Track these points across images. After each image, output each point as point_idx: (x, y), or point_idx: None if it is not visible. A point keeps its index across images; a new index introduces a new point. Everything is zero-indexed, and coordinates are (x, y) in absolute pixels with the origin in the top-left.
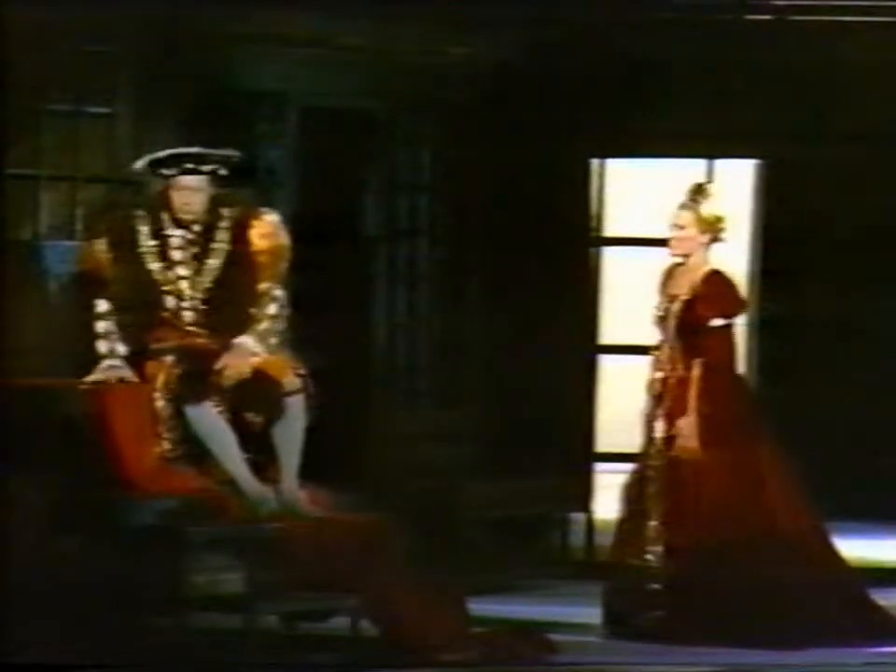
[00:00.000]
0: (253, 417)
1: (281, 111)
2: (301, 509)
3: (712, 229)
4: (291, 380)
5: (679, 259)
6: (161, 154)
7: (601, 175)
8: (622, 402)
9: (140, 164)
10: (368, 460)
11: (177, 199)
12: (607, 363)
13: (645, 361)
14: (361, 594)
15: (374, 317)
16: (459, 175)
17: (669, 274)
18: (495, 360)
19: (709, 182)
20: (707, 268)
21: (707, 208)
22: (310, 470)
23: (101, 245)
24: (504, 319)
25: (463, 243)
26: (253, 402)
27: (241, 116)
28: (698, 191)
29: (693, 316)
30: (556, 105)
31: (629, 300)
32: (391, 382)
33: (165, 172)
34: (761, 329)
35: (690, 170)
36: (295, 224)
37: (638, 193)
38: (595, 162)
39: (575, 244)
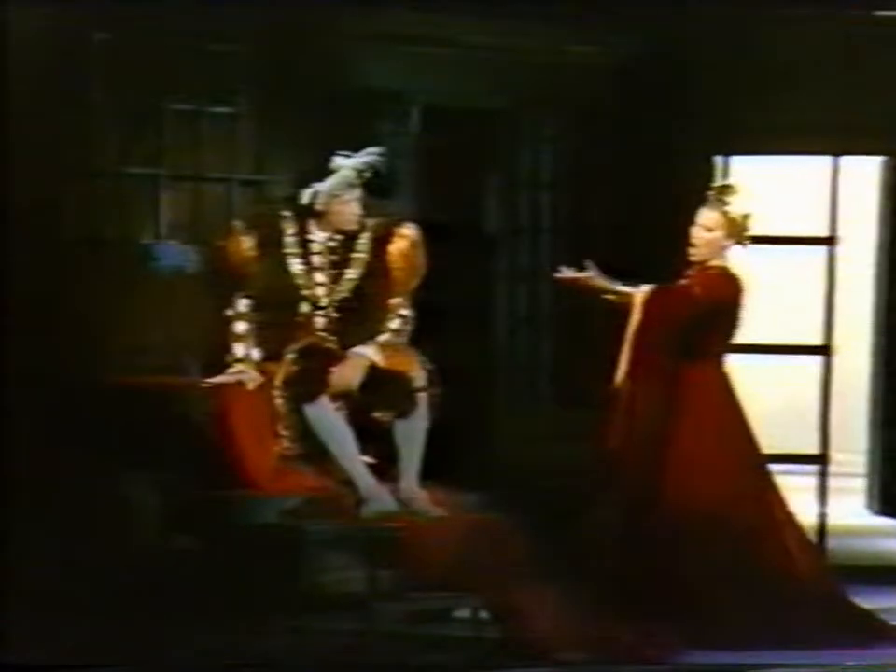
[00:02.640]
0: (382, 415)
1: (404, 110)
2: (421, 508)
3: (739, 231)
4: (419, 375)
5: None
6: (362, 160)
7: (725, 174)
8: (761, 403)
9: (343, 167)
10: (489, 459)
11: (341, 208)
12: (737, 363)
13: (775, 361)
14: (482, 594)
15: (496, 316)
16: (582, 173)
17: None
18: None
19: (734, 182)
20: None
21: (736, 208)
22: (431, 469)
23: (247, 243)
24: None
25: (585, 241)
26: (383, 399)
27: (364, 115)
28: (725, 191)
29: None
30: (680, 103)
31: (755, 298)
32: (513, 381)
33: (353, 180)
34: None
35: (813, 168)
36: (416, 222)
37: (763, 191)
38: (718, 160)
39: None
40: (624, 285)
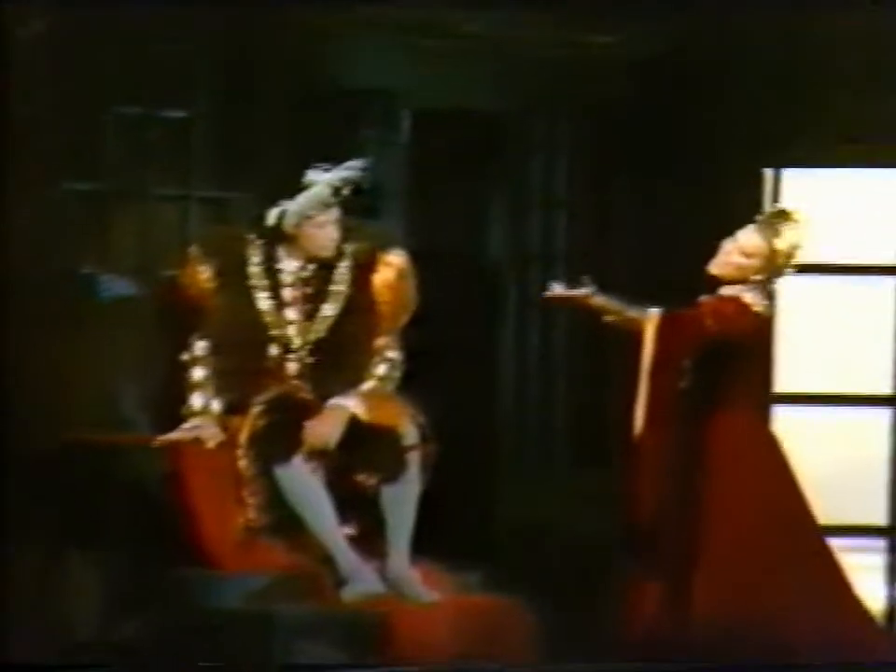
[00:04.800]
0: (366, 479)
1: (391, 114)
2: (412, 590)
3: (779, 267)
4: (410, 430)
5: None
6: (341, 175)
7: (776, 189)
8: (817, 465)
9: (318, 183)
10: (493, 530)
11: (316, 231)
12: (783, 415)
13: (828, 413)
14: None
15: (501, 358)
16: (602, 189)
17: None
18: None
19: (793, 209)
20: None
21: (786, 240)
22: (424, 543)
23: (204, 272)
24: None
25: (607, 268)
26: (368, 459)
27: (344, 121)
28: (780, 217)
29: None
30: (721, 105)
31: (808, 338)
32: (521, 436)
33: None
34: None
35: (882, 184)
36: (407, 247)
37: (823, 211)
38: (768, 174)
39: None
40: (634, 308)
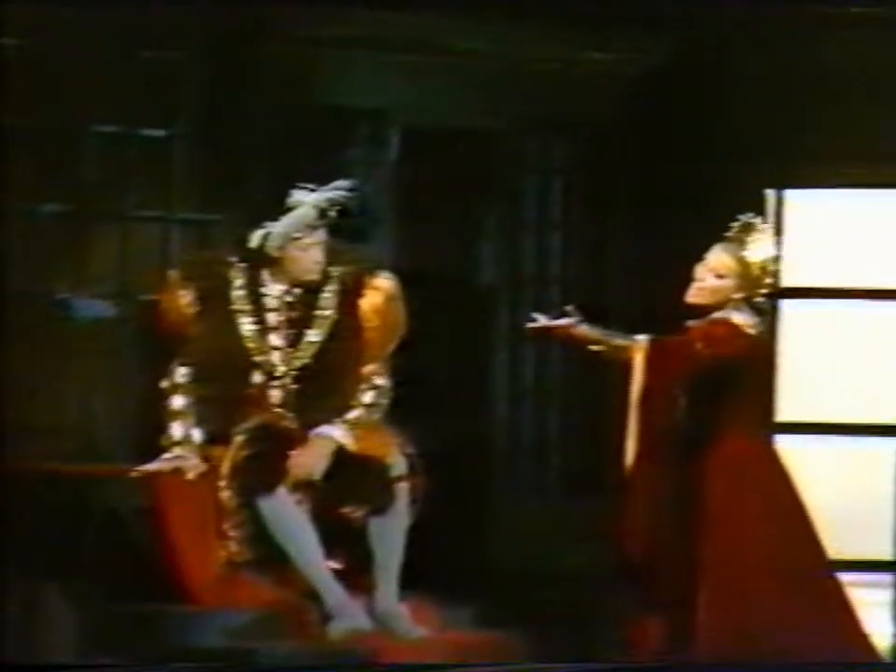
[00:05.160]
0: (353, 511)
1: (379, 132)
2: (401, 626)
3: (755, 282)
4: (399, 461)
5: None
6: (327, 196)
7: (779, 212)
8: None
9: (303, 204)
10: (484, 564)
11: (301, 254)
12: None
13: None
14: None
15: (493, 387)
16: (599, 210)
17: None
18: None
19: (760, 219)
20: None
21: (755, 253)
22: (413, 578)
23: (185, 297)
24: None
25: (604, 293)
26: (355, 491)
27: (331, 139)
28: (747, 230)
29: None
30: (722, 123)
31: (813, 366)
32: (513, 467)
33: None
34: None
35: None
36: (396, 270)
37: (827, 233)
38: (771, 195)
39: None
40: (621, 336)
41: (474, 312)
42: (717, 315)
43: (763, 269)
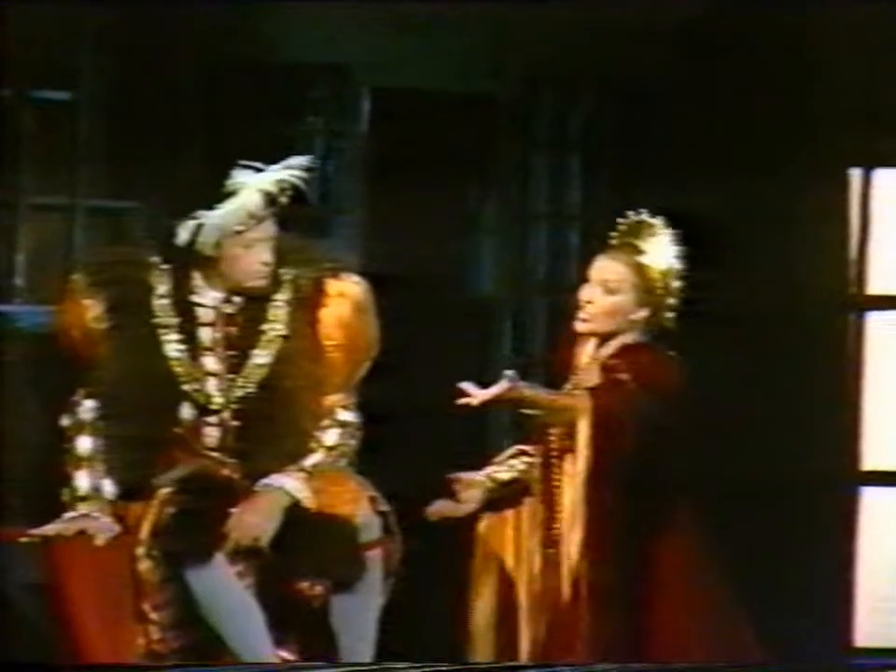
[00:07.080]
0: (310, 586)
1: (344, 95)
2: None
3: (659, 296)
4: (370, 522)
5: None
6: (276, 177)
7: (865, 199)
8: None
9: (246, 188)
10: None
11: (243, 252)
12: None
13: None
14: None
15: (490, 422)
16: (622, 196)
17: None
18: None
19: (653, 218)
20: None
21: (653, 255)
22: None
23: (93, 307)
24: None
25: None
26: (313, 560)
27: (282, 105)
28: (637, 231)
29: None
30: (788, 84)
31: None
32: None
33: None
34: None
35: None
36: (366, 273)
37: None
38: (855, 175)
39: (824, 305)
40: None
41: (466, 324)
42: (624, 339)
43: (667, 275)
